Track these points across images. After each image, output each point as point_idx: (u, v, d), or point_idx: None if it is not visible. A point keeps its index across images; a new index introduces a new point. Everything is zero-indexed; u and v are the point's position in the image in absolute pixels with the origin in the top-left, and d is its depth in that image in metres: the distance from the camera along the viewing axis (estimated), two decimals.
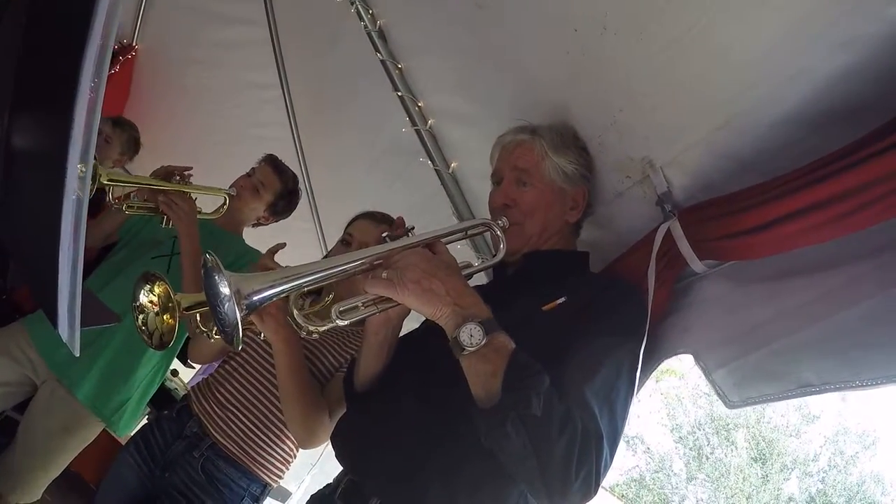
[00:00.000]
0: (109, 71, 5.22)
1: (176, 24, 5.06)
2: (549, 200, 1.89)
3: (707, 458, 21.53)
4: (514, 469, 1.34)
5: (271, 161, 3.00)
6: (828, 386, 1.51)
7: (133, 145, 3.93)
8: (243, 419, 2.19)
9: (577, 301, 1.62)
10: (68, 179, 0.91)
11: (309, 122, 4.29)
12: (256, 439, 2.19)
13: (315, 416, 2.02)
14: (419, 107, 2.96)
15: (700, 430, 22.07)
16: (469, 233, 1.82)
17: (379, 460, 1.61)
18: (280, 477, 2.29)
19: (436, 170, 2.96)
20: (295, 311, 1.53)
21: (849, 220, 1.37)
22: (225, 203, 2.84)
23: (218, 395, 2.24)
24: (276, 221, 3.10)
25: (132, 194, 2.64)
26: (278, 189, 2.97)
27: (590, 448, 1.30)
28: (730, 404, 1.75)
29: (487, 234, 1.92)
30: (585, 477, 1.28)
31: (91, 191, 2.43)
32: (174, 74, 5.26)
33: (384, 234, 1.60)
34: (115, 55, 5.38)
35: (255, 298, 1.32)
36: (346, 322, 1.49)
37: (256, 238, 3.09)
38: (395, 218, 2.33)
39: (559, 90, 2.16)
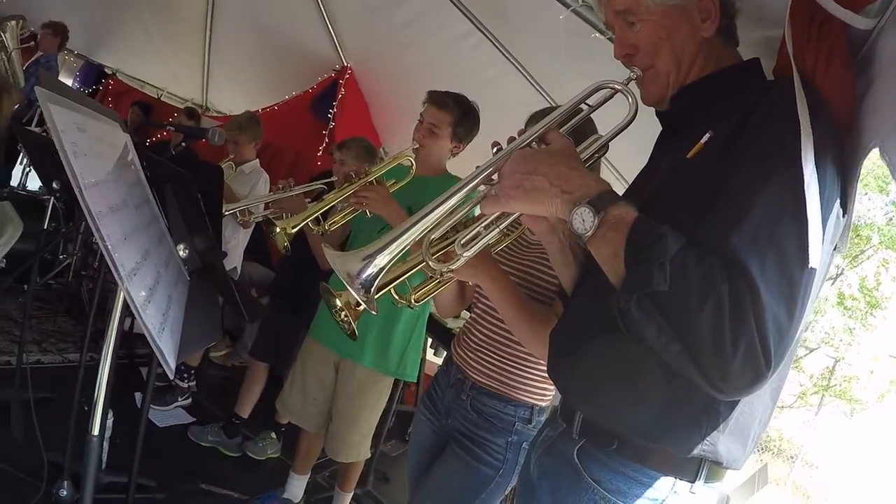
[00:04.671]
0: (338, 96, 5.72)
1: (364, 29, 5.50)
2: (668, 27, 1.51)
3: None
4: (666, 358, 1.14)
5: (430, 99, 3.04)
6: None
7: (365, 153, 4.17)
8: (492, 354, 2.29)
9: (728, 128, 1.30)
10: None
11: (511, 48, 4.45)
12: (508, 368, 2.26)
13: (546, 334, 2.02)
14: None
15: None
16: (593, 104, 1.59)
17: (570, 373, 1.55)
18: (545, 395, 2.32)
19: (608, 39, 2.81)
20: (428, 260, 1.52)
21: None
22: (412, 164, 2.97)
23: (468, 340, 2.38)
24: (468, 143, 3.14)
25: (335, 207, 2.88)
26: (450, 120, 3.00)
27: (745, 313, 1.04)
28: None
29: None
30: (747, 349, 1.04)
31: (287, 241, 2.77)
32: (390, 67, 5.67)
33: (494, 149, 1.49)
34: (335, 81, 5.86)
35: (364, 277, 1.34)
36: (472, 252, 1.47)
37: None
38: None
39: None
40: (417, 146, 2.96)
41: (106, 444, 3.15)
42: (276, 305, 4.40)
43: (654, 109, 1.60)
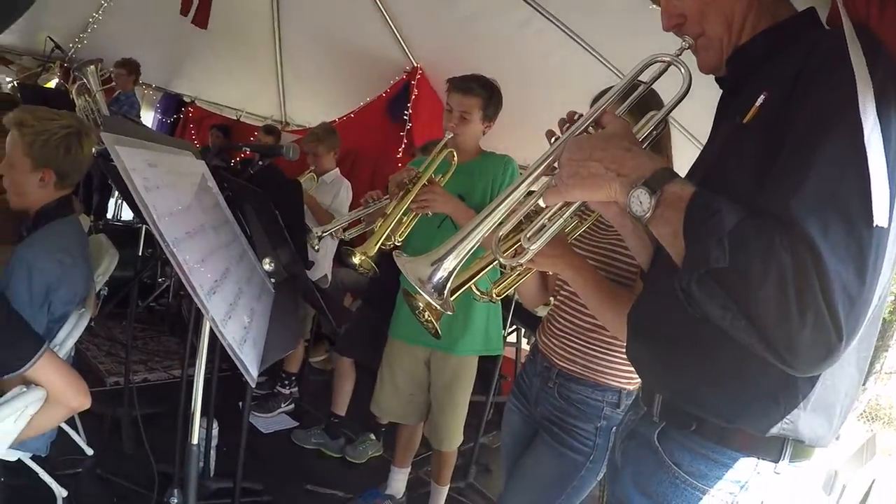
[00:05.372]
0: (411, 97, 5.83)
1: (428, 28, 5.62)
2: None
3: None
4: (735, 336, 1.09)
5: (454, 87, 3.09)
6: None
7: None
8: (576, 340, 2.28)
9: (782, 86, 1.22)
10: None
11: (574, 27, 4.50)
12: (593, 353, 2.25)
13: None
14: None
15: None
16: (648, 79, 1.58)
17: (645, 355, 1.54)
18: (633, 379, 2.28)
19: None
20: (499, 256, 1.54)
21: None
22: (452, 154, 3.00)
23: (552, 327, 2.37)
24: (495, 120, 3.19)
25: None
26: (479, 103, 3.06)
27: (809, 282, 0.98)
28: None
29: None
30: (815, 321, 0.98)
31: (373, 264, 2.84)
32: (459, 62, 5.69)
33: (553, 139, 1.52)
34: (407, 82, 5.97)
35: (435, 281, 1.39)
36: (539, 244, 1.45)
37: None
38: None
39: None
40: (452, 135, 3.00)
41: (213, 453, 3.34)
42: (372, 308, 4.47)
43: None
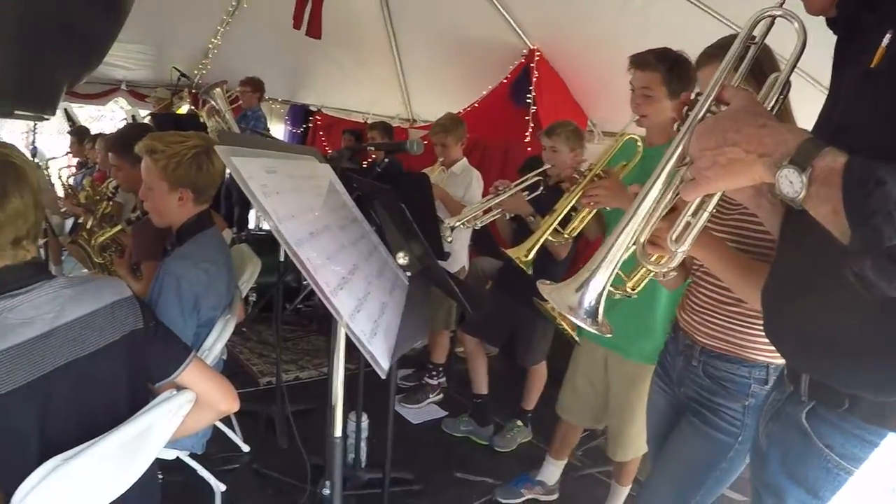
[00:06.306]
0: (533, 80, 5.84)
1: (540, 8, 5.59)
2: None
3: None
4: None
5: (632, 63, 2.84)
6: None
7: (574, 136, 3.99)
8: (717, 314, 2.18)
9: None
10: None
11: None
12: (736, 327, 2.14)
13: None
14: None
15: None
16: (756, 42, 1.42)
17: (784, 333, 1.43)
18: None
19: None
20: (647, 265, 1.51)
21: None
22: (637, 140, 2.84)
23: (692, 303, 2.29)
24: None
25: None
26: (659, 78, 2.77)
27: None
28: None
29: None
30: None
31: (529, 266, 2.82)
32: (575, 39, 5.71)
33: (675, 125, 1.40)
34: (527, 66, 6.08)
35: (587, 306, 1.34)
36: (686, 246, 1.38)
37: None
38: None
39: None
40: (638, 117, 2.80)
41: (364, 445, 3.46)
42: (500, 288, 4.47)
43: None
